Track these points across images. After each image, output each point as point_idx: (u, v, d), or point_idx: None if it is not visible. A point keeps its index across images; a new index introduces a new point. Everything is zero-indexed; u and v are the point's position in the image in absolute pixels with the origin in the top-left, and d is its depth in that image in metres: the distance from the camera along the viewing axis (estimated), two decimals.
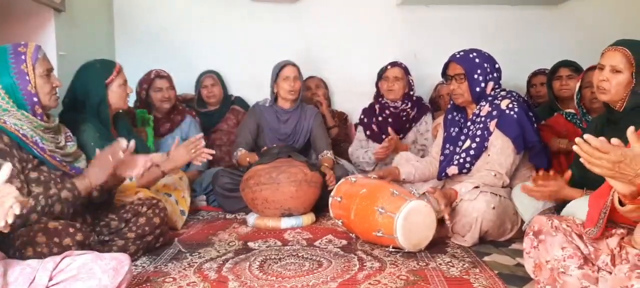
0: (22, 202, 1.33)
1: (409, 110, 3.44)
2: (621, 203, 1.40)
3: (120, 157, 1.94)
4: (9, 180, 1.37)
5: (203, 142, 2.58)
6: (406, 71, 3.46)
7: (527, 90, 3.79)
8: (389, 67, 3.45)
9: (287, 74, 3.26)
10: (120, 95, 2.50)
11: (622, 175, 1.29)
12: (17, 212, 1.31)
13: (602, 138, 1.30)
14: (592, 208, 1.58)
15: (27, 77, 1.90)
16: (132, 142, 2.01)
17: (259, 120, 3.33)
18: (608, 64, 1.91)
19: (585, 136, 1.31)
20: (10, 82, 1.88)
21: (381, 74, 3.49)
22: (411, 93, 3.47)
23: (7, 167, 1.36)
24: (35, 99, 1.92)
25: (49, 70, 1.99)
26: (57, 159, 1.93)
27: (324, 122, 3.52)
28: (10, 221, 1.31)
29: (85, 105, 2.43)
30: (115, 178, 2.07)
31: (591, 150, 1.29)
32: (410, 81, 3.47)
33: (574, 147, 1.33)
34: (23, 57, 1.91)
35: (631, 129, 1.29)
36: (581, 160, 1.34)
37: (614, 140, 1.31)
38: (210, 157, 2.62)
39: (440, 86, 3.76)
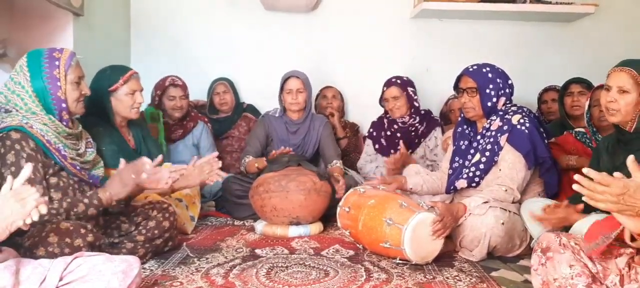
0: (44, 202, 1.36)
1: (417, 124, 3.41)
2: (632, 238, 1.38)
3: (144, 178, 1.98)
4: (33, 185, 1.41)
5: (219, 163, 2.42)
6: (403, 85, 3.34)
7: (537, 106, 3.78)
8: (385, 88, 3.39)
9: (289, 86, 3.27)
10: (127, 104, 2.41)
11: (628, 207, 1.26)
12: (44, 211, 1.35)
13: (603, 173, 1.27)
14: (592, 233, 1.55)
15: (59, 83, 1.94)
16: (159, 158, 2.04)
17: (268, 130, 3.34)
18: (614, 84, 1.90)
19: (585, 170, 1.29)
20: (42, 86, 1.92)
21: (381, 95, 3.45)
22: (416, 105, 3.39)
23: (28, 167, 1.40)
24: (64, 105, 1.96)
25: (80, 77, 2.03)
26: (77, 168, 1.97)
27: (333, 132, 3.53)
28: (36, 218, 1.34)
29: (97, 110, 2.43)
30: (136, 188, 2.10)
31: (593, 185, 1.27)
32: (411, 93, 3.36)
33: (574, 186, 1.30)
34: (57, 62, 1.95)
35: (631, 158, 1.27)
36: (584, 198, 1.30)
37: (616, 174, 1.28)
38: (221, 179, 2.50)
39: (452, 100, 3.74)
